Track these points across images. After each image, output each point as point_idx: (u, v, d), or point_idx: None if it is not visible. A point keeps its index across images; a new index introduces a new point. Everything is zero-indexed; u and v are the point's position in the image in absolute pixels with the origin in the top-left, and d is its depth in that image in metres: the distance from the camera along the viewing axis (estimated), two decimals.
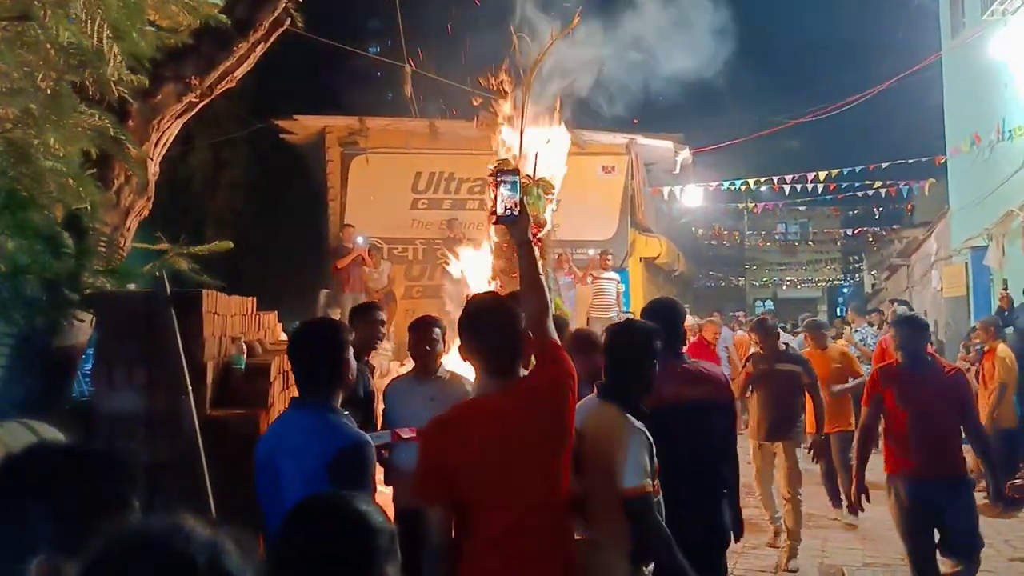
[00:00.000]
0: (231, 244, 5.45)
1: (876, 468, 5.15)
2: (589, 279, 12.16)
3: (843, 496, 7.27)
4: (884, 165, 15.59)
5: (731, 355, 12.03)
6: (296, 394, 2.96)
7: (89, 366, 4.64)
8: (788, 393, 6.50)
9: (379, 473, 3.74)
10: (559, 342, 2.70)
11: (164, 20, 5.09)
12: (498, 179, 2.66)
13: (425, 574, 2.51)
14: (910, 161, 15.50)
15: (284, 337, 6.09)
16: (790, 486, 6.35)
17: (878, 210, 22.80)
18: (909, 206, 24.32)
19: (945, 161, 15.44)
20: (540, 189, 6.55)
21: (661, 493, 3.02)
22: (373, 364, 4.66)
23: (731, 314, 19.31)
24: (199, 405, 4.11)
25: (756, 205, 19.31)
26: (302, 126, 14.45)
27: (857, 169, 15.42)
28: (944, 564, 4.66)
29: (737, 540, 3.90)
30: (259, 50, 5.73)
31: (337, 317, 9.91)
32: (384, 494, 3.96)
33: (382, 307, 4.77)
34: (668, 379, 3.41)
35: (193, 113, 5.68)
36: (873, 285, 31.36)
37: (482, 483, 2.51)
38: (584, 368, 3.21)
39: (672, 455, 3.09)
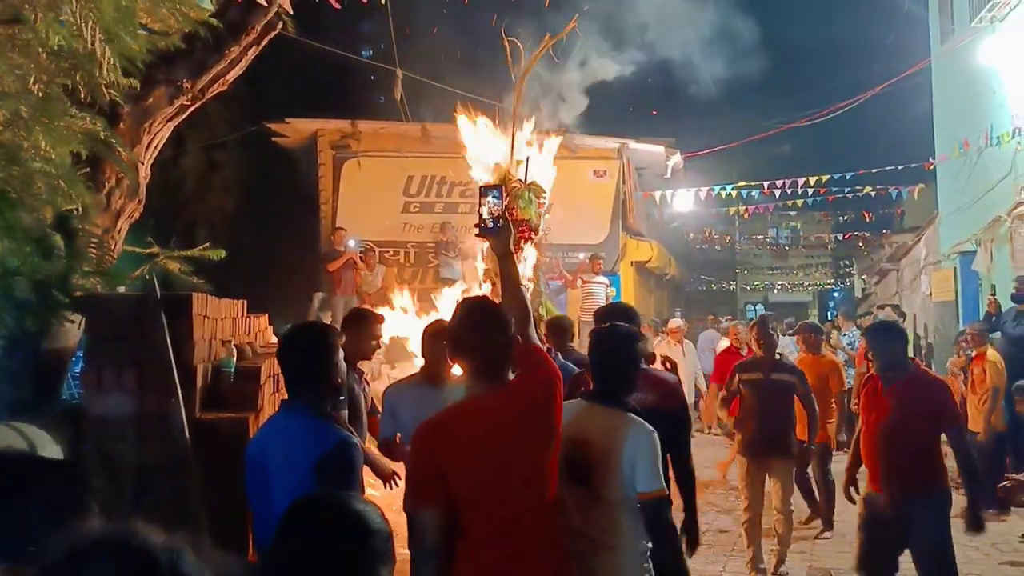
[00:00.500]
0: (223, 252, 5.44)
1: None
2: (579, 283, 12.15)
3: (820, 510, 7.26)
4: (874, 170, 15.68)
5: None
6: (286, 397, 2.97)
7: (78, 369, 4.63)
8: (781, 405, 6.19)
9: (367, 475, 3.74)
10: (541, 346, 2.82)
11: (156, 23, 5.10)
12: (483, 192, 2.91)
13: (417, 574, 2.54)
14: (900, 167, 15.59)
15: (275, 340, 6.08)
16: (784, 502, 6.22)
17: (868, 215, 22.92)
18: (899, 211, 24.53)
19: (934, 166, 15.54)
20: (531, 193, 6.58)
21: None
22: (363, 369, 4.63)
23: (723, 320, 19.33)
24: (189, 408, 4.12)
25: (747, 209, 19.32)
26: (294, 129, 14.46)
27: (847, 174, 15.49)
28: None
29: (691, 550, 3.80)
30: (251, 54, 5.74)
31: (329, 321, 9.90)
32: (373, 496, 3.96)
33: (381, 318, 4.66)
34: None
35: (185, 116, 5.69)
36: (863, 289, 31.55)
37: (473, 485, 2.54)
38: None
39: None
